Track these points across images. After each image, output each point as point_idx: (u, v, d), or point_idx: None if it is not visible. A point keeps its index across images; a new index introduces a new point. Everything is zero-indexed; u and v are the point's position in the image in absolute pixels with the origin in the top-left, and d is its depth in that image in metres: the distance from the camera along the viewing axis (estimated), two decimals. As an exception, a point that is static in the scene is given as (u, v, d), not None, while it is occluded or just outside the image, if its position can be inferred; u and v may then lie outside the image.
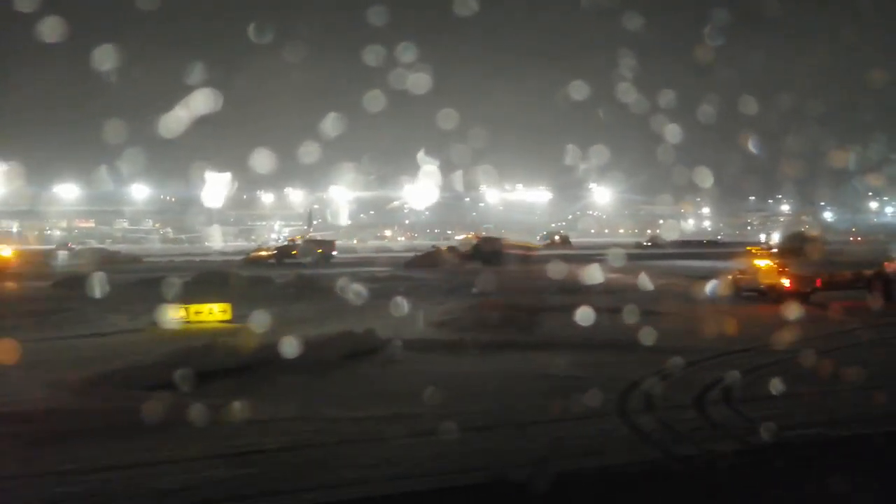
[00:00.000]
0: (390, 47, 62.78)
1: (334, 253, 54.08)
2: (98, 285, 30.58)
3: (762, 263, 25.04)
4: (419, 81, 64.47)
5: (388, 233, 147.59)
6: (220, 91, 67.32)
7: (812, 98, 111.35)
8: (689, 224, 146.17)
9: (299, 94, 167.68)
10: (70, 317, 20.74)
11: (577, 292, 27.49)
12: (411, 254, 51.89)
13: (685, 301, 25.25)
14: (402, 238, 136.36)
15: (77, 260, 54.21)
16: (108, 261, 51.18)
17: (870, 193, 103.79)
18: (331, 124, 73.65)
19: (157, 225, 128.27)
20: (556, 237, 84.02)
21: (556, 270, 38.83)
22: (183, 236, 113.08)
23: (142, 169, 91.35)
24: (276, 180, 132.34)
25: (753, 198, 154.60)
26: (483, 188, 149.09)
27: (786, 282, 23.43)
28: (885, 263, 24.24)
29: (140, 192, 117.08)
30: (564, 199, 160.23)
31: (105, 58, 56.88)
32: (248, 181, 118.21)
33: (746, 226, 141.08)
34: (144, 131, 73.44)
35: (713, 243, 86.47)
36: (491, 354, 14.80)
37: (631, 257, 48.09)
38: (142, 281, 30.16)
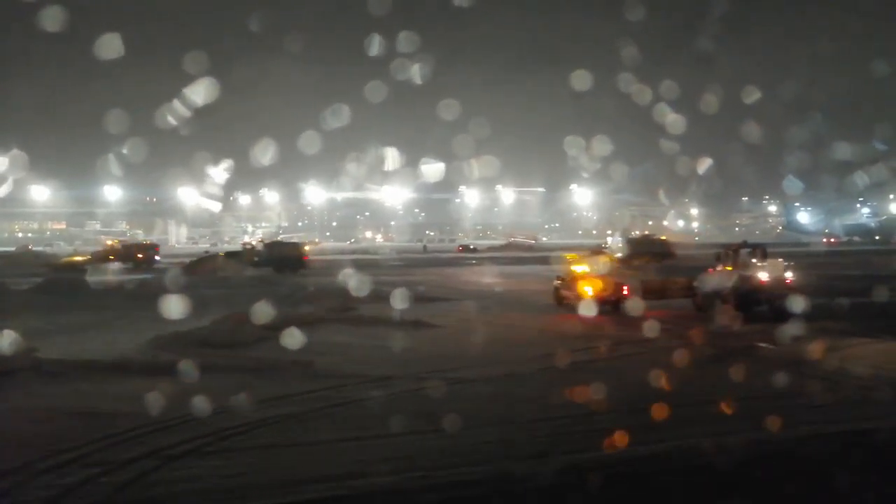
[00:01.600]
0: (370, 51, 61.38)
1: (157, 258, 52.78)
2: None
3: (576, 270, 22.95)
4: (410, 82, 63.25)
5: (368, 234, 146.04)
6: (202, 94, 66.27)
7: (804, 96, 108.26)
8: (679, 225, 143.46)
9: (286, 96, 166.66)
10: None
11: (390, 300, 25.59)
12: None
13: (506, 309, 23.48)
14: (382, 239, 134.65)
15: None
16: (23, 263, 50.52)
17: (856, 191, 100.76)
18: (318, 124, 72.51)
19: (126, 226, 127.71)
20: (513, 239, 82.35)
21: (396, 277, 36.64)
22: (154, 237, 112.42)
23: (118, 171, 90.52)
24: (258, 181, 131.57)
25: (746, 198, 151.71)
26: (475, 189, 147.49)
27: (588, 290, 21.39)
28: (709, 270, 22.08)
29: (113, 193, 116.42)
30: (557, 200, 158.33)
31: (86, 58, 56.09)
32: (230, 182, 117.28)
33: (735, 227, 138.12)
34: (123, 134, 72.33)
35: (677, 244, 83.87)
36: (124, 380, 13.06)
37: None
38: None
